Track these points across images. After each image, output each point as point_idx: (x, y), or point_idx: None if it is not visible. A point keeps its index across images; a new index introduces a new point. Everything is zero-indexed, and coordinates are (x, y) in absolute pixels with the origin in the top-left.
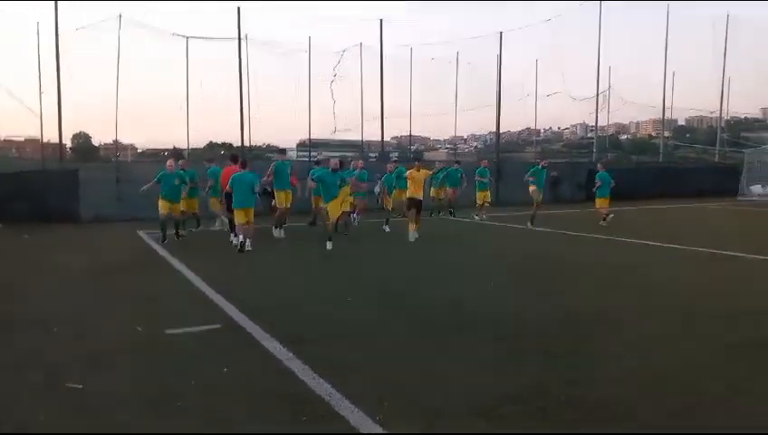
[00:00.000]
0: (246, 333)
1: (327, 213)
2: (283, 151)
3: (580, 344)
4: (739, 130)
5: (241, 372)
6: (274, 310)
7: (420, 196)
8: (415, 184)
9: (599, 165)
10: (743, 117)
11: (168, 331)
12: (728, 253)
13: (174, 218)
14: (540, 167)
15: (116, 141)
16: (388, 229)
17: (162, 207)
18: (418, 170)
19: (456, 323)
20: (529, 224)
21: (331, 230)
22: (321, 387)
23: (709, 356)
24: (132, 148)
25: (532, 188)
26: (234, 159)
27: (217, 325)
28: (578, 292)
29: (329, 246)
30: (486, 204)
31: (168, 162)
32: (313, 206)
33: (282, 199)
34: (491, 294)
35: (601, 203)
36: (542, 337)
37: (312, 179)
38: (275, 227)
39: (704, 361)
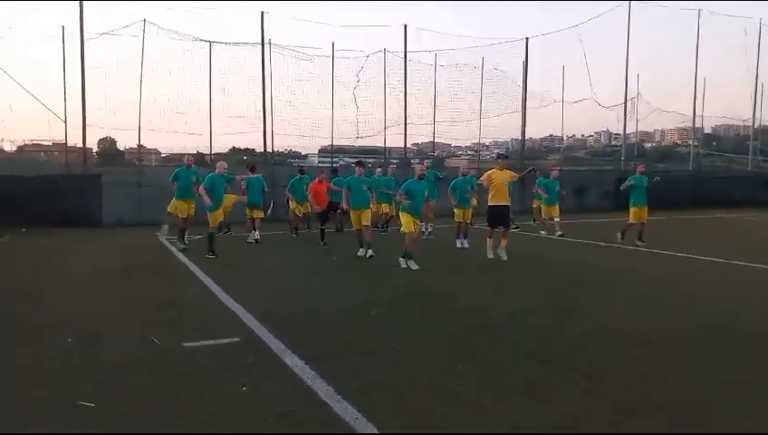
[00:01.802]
0: (267, 348)
1: (407, 226)
2: (360, 163)
3: (621, 367)
4: None
5: (260, 392)
6: (298, 322)
7: (506, 202)
8: (498, 188)
9: (553, 172)
10: None
11: (186, 344)
12: None
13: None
14: (638, 174)
15: (140, 146)
16: (465, 244)
17: (212, 219)
18: (502, 170)
19: (492, 341)
20: (638, 242)
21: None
22: (346, 410)
23: (754, 379)
24: (156, 152)
25: (633, 208)
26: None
27: (237, 339)
28: (615, 308)
29: (403, 264)
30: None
31: (218, 164)
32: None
33: (356, 219)
34: (528, 309)
35: (551, 211)
36: (582, 358)
37: (402, 194)
38: (366, 248)
39: (750, 385)
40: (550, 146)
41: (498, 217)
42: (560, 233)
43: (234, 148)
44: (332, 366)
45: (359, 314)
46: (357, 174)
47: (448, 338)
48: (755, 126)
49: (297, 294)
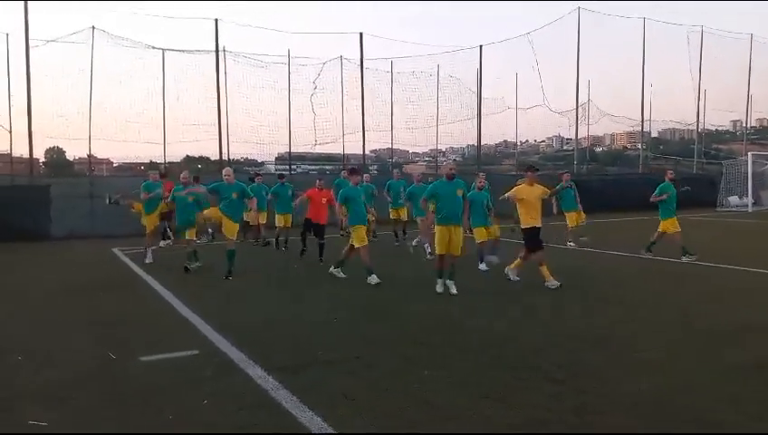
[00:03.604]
0: (228, 360)
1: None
2: (354, 171)
3: (582, 368)
4: (711, 142)
5: (222, 405)
6: (259, 333)
7: (539, 223)
8: (530, 206)
9: (564, 176)
10: (714, 129)
11: (143, 358)
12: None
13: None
14: (667, 181)
15: (90, 155)
16: (496, 260)
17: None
18: (532, 185)
19: (457, 346)
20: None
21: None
22: (312, 421)
23: (712, 377)
24: (108, 162)
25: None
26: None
27: (196, 351)
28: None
29: (439, 288)
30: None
31: (224, 171)
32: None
33: (361, 235)
34: (493, 314)
35: (572, 218)
36: (546, 362)
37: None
38: (335, 267)
39: (708, 382)
40: (504, 151)
41: (537, 237)
42: (572, 243)
43: (188, 156)
44: (296, 376)
45: (321, 324)
46: (352, 184)
47: (413, 345)
48: (699, 130)
49: (258, 305)
